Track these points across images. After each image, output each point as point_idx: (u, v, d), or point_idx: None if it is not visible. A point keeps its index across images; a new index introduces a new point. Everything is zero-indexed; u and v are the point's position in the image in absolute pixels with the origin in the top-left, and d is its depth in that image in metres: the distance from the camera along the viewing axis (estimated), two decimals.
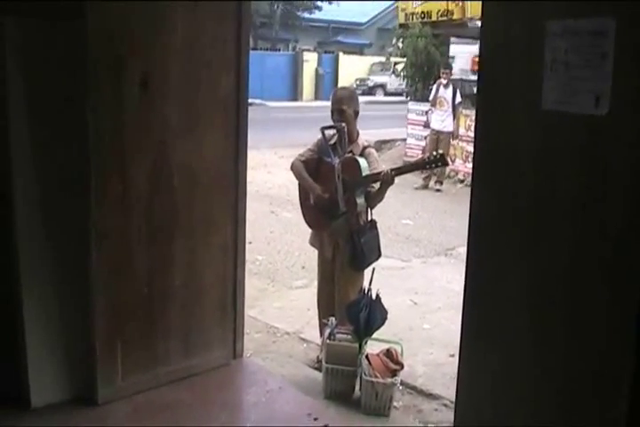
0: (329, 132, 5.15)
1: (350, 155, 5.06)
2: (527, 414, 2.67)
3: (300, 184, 5.38)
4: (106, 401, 4.22)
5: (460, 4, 15.59)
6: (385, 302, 4.88)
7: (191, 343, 4.63)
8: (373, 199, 5.06)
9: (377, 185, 5.01)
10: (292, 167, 5.37)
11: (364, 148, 5.20)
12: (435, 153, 5.19)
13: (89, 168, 4.02)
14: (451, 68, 13.68)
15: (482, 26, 2.84)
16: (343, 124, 5.01)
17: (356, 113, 5.21)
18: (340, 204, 4.90)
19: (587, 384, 2.41)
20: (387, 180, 4.89)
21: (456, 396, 3.07)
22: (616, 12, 2.20)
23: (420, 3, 16.95)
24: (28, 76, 3.92)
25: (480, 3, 2.85)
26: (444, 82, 13.52)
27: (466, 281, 2.93)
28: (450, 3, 15.90)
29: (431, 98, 13.84)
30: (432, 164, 5.03)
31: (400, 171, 5.17)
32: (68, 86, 3.99)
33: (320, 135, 5.15)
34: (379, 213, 5.27)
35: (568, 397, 2.48)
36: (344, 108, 5.12)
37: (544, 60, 2.45)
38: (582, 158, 2.36)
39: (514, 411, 2.74)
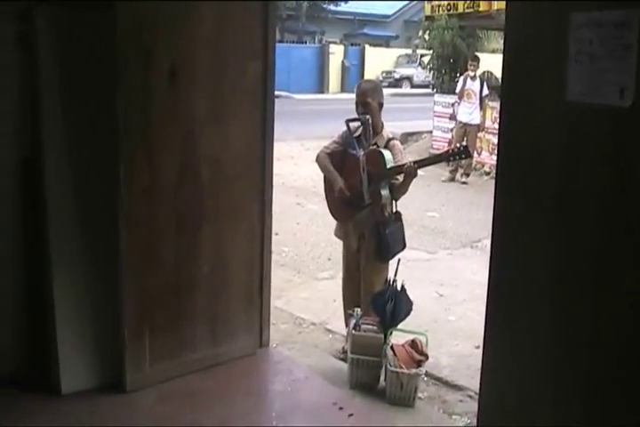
0: (354, 125, 5.17)
1: (375, 147, 5.07)
2: (551, 405, 2.68)
3: (324, 176, 5.40)
4: (134, 388, 4.28)
5: None
6: (410, 293, 4.89)
7: (218, 332, 4.67)
8: (397, 191, 5.07)
9: (401, 177, 5.03)
10: (317, 159, 5.40)
11: (389, 140, 5.21)
12: (458, 145, 5.20)
13: (118, 157, 4.07)
14: (478, 61, 13.57)
15: (506, 18, 2.84)
16: (368, 117, 5.03)
17: (381, 105, 5.22)
18: (364, 195, 4.92)
19: (611, 374, 2.42)
20: (409, 172, 4.90)
21: (480, 387, 3.09)
22: None
23: None
24: (59, 66, 4.00)
25: None
26: (472, 74, 13.45)
27: (490, 273, 2.94)
28: None
29: (458, 90, 13.77)
30: (455, 155, 5.04)
31: (423, 163, 5.19)
32: (98, 76, 4.05)
33: (345, 128, 5.18)
34: (405, 206, 5.28)
35: (592, 387, 2.49)
36: (368, 100, 5.13)
37: (569, 51, 2.46)
38: (607, 149, 2.37)
39: (537, 402, 2.75)
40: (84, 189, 4.15)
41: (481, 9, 15.90)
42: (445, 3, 16.91)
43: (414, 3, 41.83)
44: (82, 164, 4.12)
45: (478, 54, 14.68)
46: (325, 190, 5.44)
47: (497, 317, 2.95)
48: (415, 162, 5.09)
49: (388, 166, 4.96)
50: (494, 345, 2.99)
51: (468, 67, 13.65)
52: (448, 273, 7.67)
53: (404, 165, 4.98)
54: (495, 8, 15.01)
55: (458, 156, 5.05)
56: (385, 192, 5.00)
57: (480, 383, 3.08)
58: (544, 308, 2.68)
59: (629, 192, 2.29)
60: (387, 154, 5.01)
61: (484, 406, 3.10)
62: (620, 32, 2.27)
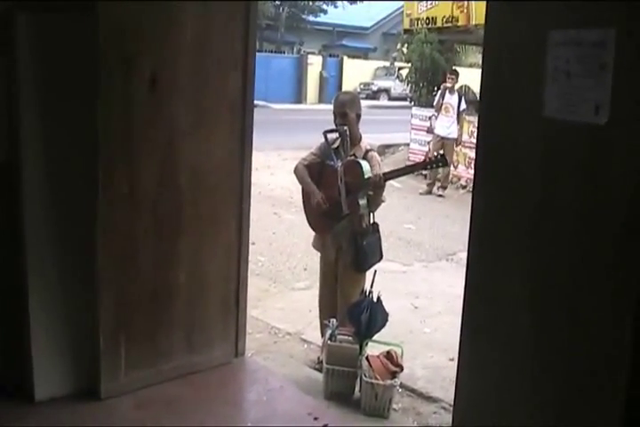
0: (331, 136, 5.20)
1: (353, 158, 5.11)
2: (526, 417, 2.70)
3: (302, 188, 5.42)
4: (109, 396, 4.25)
5: (465, 10, 15.64)
6: (386, 305, 4.92)
7: (194, 340, 4.66)
8: (372, 203, 5.11)
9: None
10: (295, 171, 5.42)
11: (367, 151, 5.25)
12: (436, 153, 5.26)
13: (97, 164, 4.05)
14: (457, 74, 13.65)
15: (485, 33, 2.88)
16: (346, 128, 5.06)
17: (359, 116, 5.25)
18: (343, 206, 4.95)
19: (586, 387, 2.45)
20: (377, 183, 4.96)
21: (454, 399, 3.11)
22: (617, 23, 2.24)
23: (424, 8, 16.99)
24: (38, 70, 3.96)
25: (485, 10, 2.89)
26: (449, 86, 13.53)
27: (466, 285, 2.97)
28: (455, 9, 15.95)
29: (435, 103, 13.86)
30: (433, 164, 5.11)
31: (401, 172, 5.27)
32: (78, 81, 4.03)
33: (323, 139, 5.20)
34: (381, 217, 5.32)
35: (568, 398, 2.52)
36: (346, 111, 5.16)
37: (546, 68, 2.49)
38: (583, 165, 2.40)
39: (512, 414, 2.77)
40: (61, 195, 4.12)
41: (459, 24, 16.04)
42: (424, 16, 17.03)
43: (393, 16, 42.00)
44: (60, 170, 4.09)
45: (456, 68, 14.77)
46: (303, 202, 5.46)
47: (472, 329, 2.97)
48: (393, 171, 5.17)
49: (366, 177, 4.98)
50: (469, 357, 3.01)
51: (447, 79, 13.73)
52: (423, 285, 7.71)
53: (383, 174, 5.03)
54: (474, 23, 15.17)
55: (435, 164, 5.12)
56: (363, 202, 5.03)
57: (454, 395, 3.10)
58: (520, 320, 2.70)
59: (604, 208, 2.32)
60: (365, 164, 5.04)
61: (458, 418, 3.11)
62: (596, 51, 2.30)
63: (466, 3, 15.58)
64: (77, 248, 4.20)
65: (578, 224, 2.43)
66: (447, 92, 13.53)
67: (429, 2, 16.81)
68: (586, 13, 2.37)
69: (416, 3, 17.31)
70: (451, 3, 16.06)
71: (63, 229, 4.15)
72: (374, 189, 5.03)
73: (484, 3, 2.87)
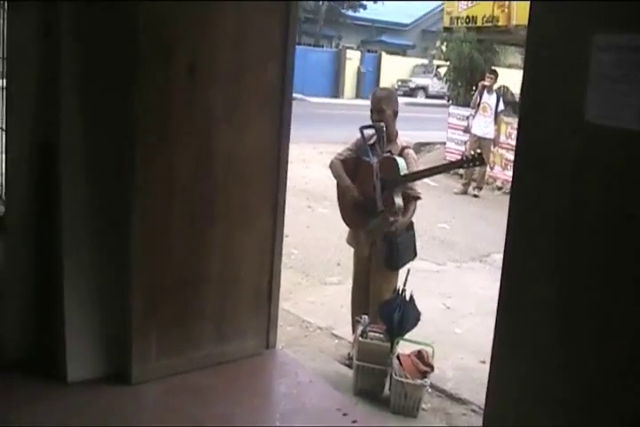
0: (368, 132, 5.19)
1: (389, 154, 5.08)
2: (556, 423, 2.67)
3: (337, 183, 5.41)
4: (139, 381, 4.27)
5: (506, 10, 15.51)
6: (418, 304, 4.89)
7: (225, 330, 4.66)
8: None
9: (414, 185, 5.13)
10: (331, 166, 5.42)
11: (403, 148, 5.23)
12: (472, 152, 5.22)
13: (134, 150, 4.07)
14: (496, 75, 13.55)
15: (528, 33, 2.83)
16: (382, 124, 5.05)
17: (396, 113, 5.23)
18: (377, 203, 4.93)
19: (616, 392, 2.41)
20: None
21: (485, 401, 3.08)
22: None
23: (465, 7, 16.88)
24: (80, 55, 3.98)
25: (527, 10, 2.84)
26: (487, 84, 13.42)
27: (501, 288, 2.93)
28: (496, 9, 15.83)
29: (473, 102, 13.79)
30: (470, 162, 5.06)
31: (439, 169, 5.27)
32: (119, 67, 4.04)
33: (359, 135, 5.19)
34: (416, 216, 5.30)
35: (599, 403, 2.48)
36: (383, 107, 5.15)
37: (588, 72, 2.45)
38: (621, 173, 2.36)
39: (542, 419, 2.74)
40: (98, 179, 4.14)
41: (500, 24, 15.90)
42: (464, 15, 16.92)
43: (433, 13, 41.83)
44: (98, 154, 4.11)
45: (495, 68, 14.66)
46: (338, 197, 5.45)
47: (506, 332, 2.93)
48: (431, 168, 5.15)
49: (401, 174, 4.96)
50: (501, 361, 2.97)
51: (485, 78, 13.62)
52: (456, 286, 7.66)
53: (418, 172, 5.02)
54: (514, 23, 15.04)
55: (472, 163, 5.07)
56: (398, 199, 5.00)
57: (486, 398, 3.06)
58: (552, 326, 2.66)
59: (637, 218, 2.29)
60: (401, 161, 5.02)
61: (487, 421, 3.08)
62: (636, 56, 2.26)
63: (507, 2, 15.43)
64: (112, 233, 4.21)
65: (611, 230, 2.39)
66: (485, 91, 13.43)
67: (470, 1, 16.68)
68: (631, 16, 2.33)
69: (456, 2, 17.19)
70: (492, 2, 15.93)
71: (99, 213, 4.17)
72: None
73: (527, 3, 2.83)
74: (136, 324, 4.25)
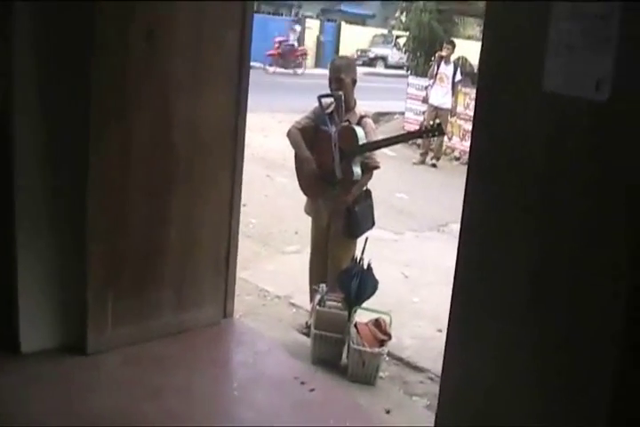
0: (326, 101, 5.18)
1: (347, 124, 5.06)
2: (516, 392, 2.69)
3: (295, 152, 5.38)
4: (95, 351, 4.23)
5: None
6: (376, 273, 4.90)
7: (182, 298, 4.63)
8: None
9: (372, 154, 5.13)
10: (289, 135, 5.37)
11: (361, 117, 5.22)
12: (432, 122, 5.24)
13: (89, 116, 3.99)
14: (454, 45, 13.55)
15: (486, 4, 2.82)
16: (341, 93, 5.04)
17: (354, 82, 5.22)
18: (336, 172, 4.92)
19: (582, 362, 2.42)
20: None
21: (442, 370, 3.09)
22: None
23: None
24: (34, 19, 3.88)
25: None
26: (444, 54, 13.42)
27: (458, 256, 2.93)
28: None
29: (430, 72, 13.79)
30: (429, 133, 5.09)
31: (399, 139, 5.27)
32: (74, 34, 3.94)
33: (317, 103, 5.15)
34: (374, 186, 5.32)
35: (561, 374, 2.50)
36: (342, 76, 5.13)
37: (548, 41, 2.43)
38: (585, 143, 2.35)
39: (502, 388, 2.76)
40: (54, 146, 4.06)
41: None
42: None
43: None
44: (53, 121, 4.03)
45: (454, 40, 14.65)
46: (296, 166, 5.42)
47: (463, 301, 2.94)
48: (390, 138, 5.15)
49: (360, 143, 4.94)
50: (459, 328, 2.98)
51: (443, 49, 13.61)
52: (414, 255, 7.70)
53: (377, 141, 5.01)
54: None
55: (432, 133, 5.11)
56: (357, 169, 5.00)
57: (442, 366, 3.08)
58: (512, 294, 2.67)
59: (609, 185, 2.27)
60: (359, 130, 5.01)
61: (444, 387, 3.10)
62: (599, 24, 2.24)
63: None
64: (68, 201, 4.14)
65: (580, 200, 2.39)
66: (443, 62, 13.42)
67: None
68: None
69: None
70: None
71: (54, 182, 4.09)
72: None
73: None
74: (92, 292, 4.21)
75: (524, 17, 2.56)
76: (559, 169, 2.45)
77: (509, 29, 2.63)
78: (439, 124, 5.13)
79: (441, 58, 13.50)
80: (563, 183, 2.44)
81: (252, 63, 4.81)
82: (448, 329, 3.02)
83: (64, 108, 4.02)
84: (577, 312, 2.40)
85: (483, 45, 2.78)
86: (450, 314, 2.99)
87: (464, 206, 2.87)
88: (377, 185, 5.39)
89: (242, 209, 4.97)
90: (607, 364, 2.30)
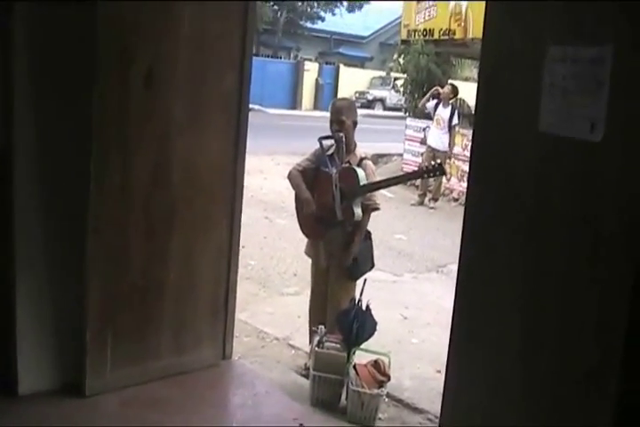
0: (327, 143, 5.20)
1: (348, 165, 5.10)
2: None
3: (296, 194, 5.40)
4: (94, 393, 4.21)
5: (463, 24, 15.69)
6: (375, 314, 4.90)
7: (182, 341, 4.63)
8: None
9: (373, 196, 5.13)
10: (289, 177, 5.39)
11: (362, 159, 5.24)
12: (433, 162, 5.26)
13: (90, 156, 4.02)
14: (454, 88, 13.66)
15: (483, 46, 2.86)
16: (341, 135, 5.06)
17: (355, 123, 5.25)
18: (337, 213, 4.94)
19: (577, 394, 2.43)
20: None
21: (441, 410, 3.09)
22: (615, 40, 2.23)
23: (422, 20, 17.02)
24: (36, 60, 3.93)
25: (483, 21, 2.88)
26: (440, 90, 13.56)
27: (456, 296, 2.95)
28: (453, 22, 16.00)
29: (422, 104, 13.93)
30: (430, 173, 5.10)
31: (399, 180, 5.27)
32: (75, 73, 4.00)
33: (318, 145, 5.20)
34: (373, 227, 5.32)
35: (558, 408, 2.50)
36: (343, 118, 5.15)
37: (542, 83, 2.48)
38: (577, 181, 2.39)
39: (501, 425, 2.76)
40: (53, 186, 4.08)
41: (456, 37, 16.08)
42: (422, 28, 17.07)
43: (391, 26, 42.08)
44: (53, 161, 4.05)
45: (451, 81, 14.78)
46: (297, 208, 5.44)
47: (460, 343, 2.96)
48: (392, 178, 5.17)
49: (361, 184, 4.97)
50: (456, 371, 2.99)
51: (440, 91, 13.72)
52: (413, 296, 7.70)
53: (378, 182, 5.04)
54: (470, 37, 15.20)
55: (433, 173, 5.11)
56: (357, 210, 5.01)
57: (441, 407, 3.08)
58: (509, 333, 2.68)
59: (597, 221, 2.31)
60: (360, 171, 5.03)
61: None
62: (593, 68, 2.29)
63: (464, 16, 15.61)
64: (68, 241, 4.15)
65: (570, 236, 2.43)
66: (441, 104, 13.52)
67: (428, 13, 16.81)
68: (584, 28, 2.36)
69: (414, 14, 17.33)
70: (448, 15, 16.11)
71: (54, 222, 4.11)
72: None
73: (483, 17, 2.85)
74: (91, 334, 4.19)
75: (518, 58, 2.62)
76: (550, 206, 2.49)
77: (504, 69, 2.69)
78: (440, 164, 5.15)
79: (437, 93, 13.61)
80: (553, 219, 2.48)
81: (250, 105, 4.86)
82: (447, 368, 3.02)
83: (64, 148, 4.05)
84: (569, 347, 2.42)
85: (478, 85, 2.84)
86: (448, 355, 3.00)
87: (462, 240, 2.91)
88: (376, 226, 5.41)
89: (241, 251, 4.99)
90: (606, 390, 2.31)
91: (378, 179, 5.22)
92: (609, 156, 2.27)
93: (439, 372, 4.98)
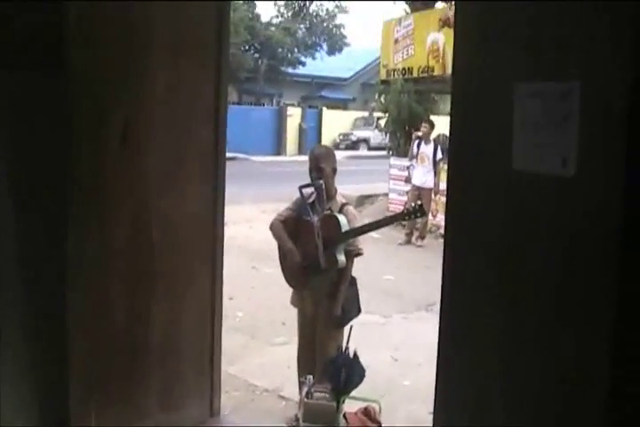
0: (307, 191, 5.20)
1: (329, 212, 5.10)
2: None
3: (279, 244, 5.40)
4: None
5: (441, 60, 15.88)
6: (365, 358, 4.84)
7: (168, 399, 4.61)
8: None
9: (356, 241, 5.10)
10: (271, 228, 5.39)
11: (343, 205, 5.24)
12: (413, 204, 5.27)
13: (67, 222, 4.01)
14: (431, 124, 13.74)
15: (453, 84, 2.89)
16: (321, 182, 5.06)
17: (334, 170, 5.26)
18: (320, 261, 4.92)
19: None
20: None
21: None
22: (582, 76, 2.25)
23: (400, 59, 17.23)
24: (5, 125, 3.96)
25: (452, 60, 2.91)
26: (420, 134, 13.64)
27: (440, 333, 2.94)
28: (431, 59, 16.20)
29: (410, 154, 13.96)
30: (411, 214, 5.10)
31: (380, 224, 5.26)
32: (48, 138, 4.01)
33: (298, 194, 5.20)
34: (360, 269, 5.31)
35: None
36: (322, 165, 5.16)
37: (513, 120, 2.50)
38: (552, 217, 2.39)
39: None
40: (31, 249, 4.10)
41: (435, 73, 16.27)
42: (401, 67, 17.27)
43: (372, 66, 42.49)
44: (31, 223, 4.07)
45: (434, 117, 14.88)
46: (280, 258, 5.42)
47: (447, 376, 2.94)
48: (373, 222, 5.15)
49: (343, 230, 4.97)
50: (445, 407, 2.97)
51: (420, 128, 13.81)
52: (403, 337, 7.65)
53: (360, 227, 5.03)
54: (449, 72, 15.33)
55: (414, 214, 5.12)
56: (341, 257, 5.00)
57: None
58: (494, 373, 2.67)
59: (573, 260, 2.31)
60: (342, 218, 5.03)
61: None
62: (561, 103, 2.30)
63: (441, 53, 15.80)
64: (47, 308, 4.13)
65: (548, 271, 2.42)
66: (423, 142, 13.59)
67: (406, 51, 17.01)
68: (551, 65, 2.38)
69: (392, 54, 17.53)
70: (426, 53, 16.31)
71: (32, 288, 4.11)
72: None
73: None
74: (75, 396, 4.14)
75: (488, 95, 2.63)
76: (526, 242, 2.49)
77: (475, 108, 2.70)
78: (421, 206, 5.16)
79: (418, 138, 13.69)
80: (530, 254, 2.48)
81: (235, 154, 4.89)
82: (435, 407, 3.01)
83: (40, 213, 4.06)
84: (556, 372, 2.41)
85: (450, 123, 2.85)
86: (435, 393, 2.99)
87: (442, 281, 2.91)
88: (363, 268, 5.40)
89: (229, 302, 4.99)
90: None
91: (360, 224, 5.22)
92: (581, 191, 2.28)
93: (431, 413, 4.92)
